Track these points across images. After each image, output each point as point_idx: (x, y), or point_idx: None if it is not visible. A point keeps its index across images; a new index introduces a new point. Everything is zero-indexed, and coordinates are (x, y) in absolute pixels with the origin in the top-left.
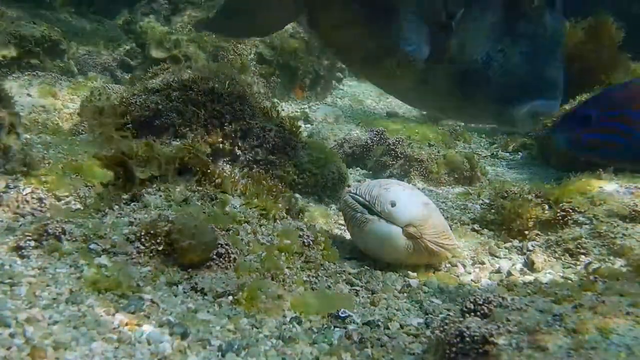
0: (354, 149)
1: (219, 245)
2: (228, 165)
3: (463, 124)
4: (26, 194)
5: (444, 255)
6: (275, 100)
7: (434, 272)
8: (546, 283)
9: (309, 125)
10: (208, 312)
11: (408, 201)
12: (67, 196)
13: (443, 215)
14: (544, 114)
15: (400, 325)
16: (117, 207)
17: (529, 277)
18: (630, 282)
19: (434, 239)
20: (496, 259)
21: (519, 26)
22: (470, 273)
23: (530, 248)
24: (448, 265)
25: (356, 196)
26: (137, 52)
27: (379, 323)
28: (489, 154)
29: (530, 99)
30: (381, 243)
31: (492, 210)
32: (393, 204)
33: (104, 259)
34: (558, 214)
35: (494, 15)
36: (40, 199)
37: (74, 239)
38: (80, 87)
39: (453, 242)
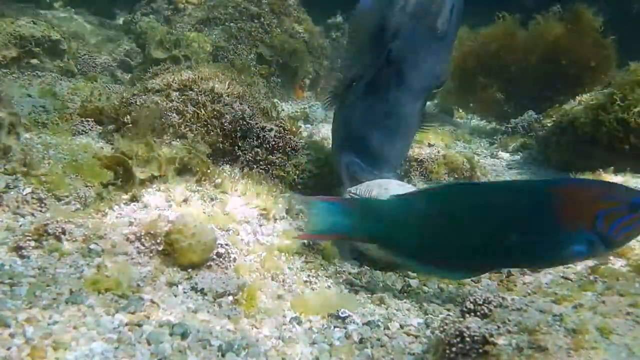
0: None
1: (219, 246)
2: (228, 166)
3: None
4: (26, 194)
5: None
6: (275, 100)
7: None
8: (546, 283)
9: (309, 125)
10: (208, 312)
11: None
12: (67, 196)
13: None
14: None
15: (400, 325)
16: (117, 207)
17: (529, 277)
18: (630, 282)
19: None
20: None
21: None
22: None
23: None
24: None
25: (355, 197)
26: (137, 52)
27: (379, 323)
28: (489, 154)
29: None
30: None
31: None
32: None
33: (104, 259)
34: None
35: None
36: (40, 199)
37: (74, 239)
38: (80, 87)
39: None
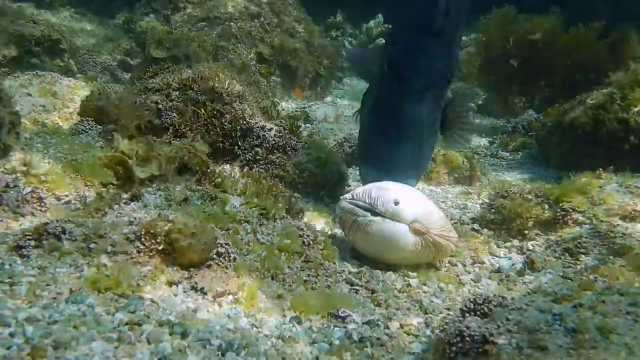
0: (354, 149)
1: (219, 245)
2: (228, 165)
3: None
4: (26, 194)
5: (449, 249)
6: (276, 99)
7: (434, 272)
8: (546, 282)
9: (309, 125)
10: (208, 311)
11: (411, 198)
12: (67, 196)
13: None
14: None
15: (400, 324)
16: (117, 206)
17: (529, 277)
18: (630, 281)
19: (440, 232)
20: (496, 258)
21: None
22: (470, 272)
23: (530, 247)
24: (448, 264)
25: (354, 201)
26: (137, 52)
27: (379, 322)
28: (489, 154)
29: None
30: (389, 243)
31: (492, 210)
32: (396, 203)
33: (104, 259)
34: (558, 214)
35: None
36: (40, 199)
37: (74, 239)
38: (80, 86)
39: (456, 235)
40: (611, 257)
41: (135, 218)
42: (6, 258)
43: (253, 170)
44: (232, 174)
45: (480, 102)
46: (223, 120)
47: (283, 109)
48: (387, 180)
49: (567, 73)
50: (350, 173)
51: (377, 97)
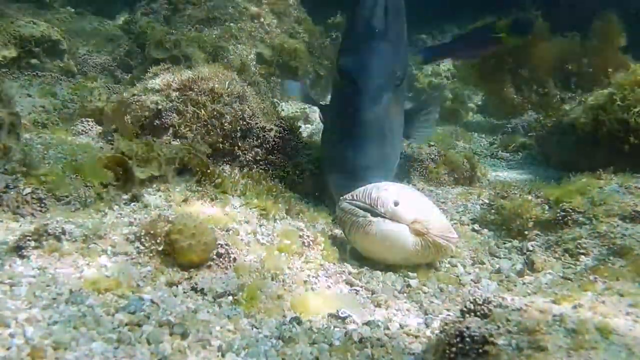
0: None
1: (219, 246)
2: (228, 166)
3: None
4: (26, 194)
5: (449, 249)
6: (275, 100)
7: (434, 272)
8: (546, 283)
9: (309, 126)
10: (208, 312)
11: (410, 198)
12: (67, 196)
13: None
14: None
15: (400, 325)
16: (117, 207)
17: (529, 277)
18: (630, 282)
19: (440, 233)
20: (496, 259)
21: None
22: (470, 273)
23: (530, 248)
24: (448, 265)
25: (354, 201)
26: (137, 52)
27: (379, 323)
28: (489, 154)
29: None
30: (389, 243)
31: (492, 211)
32: (396, 203)
33: (103, 259)
34: (558, 214)
35: None
36: (40, 199)
37: (74, 239)
38: (80, 87)
39: (456, 235)
40: (611, 258)
41: (135, 219)
42: (6, 258)
43: (253, 171)
44: (232, 175)
45: (480, 103)
46: (223, 121)
47: (283, 110)
48: (355, 184)
49: (558, 67)
50: None
51: (334, 104)
